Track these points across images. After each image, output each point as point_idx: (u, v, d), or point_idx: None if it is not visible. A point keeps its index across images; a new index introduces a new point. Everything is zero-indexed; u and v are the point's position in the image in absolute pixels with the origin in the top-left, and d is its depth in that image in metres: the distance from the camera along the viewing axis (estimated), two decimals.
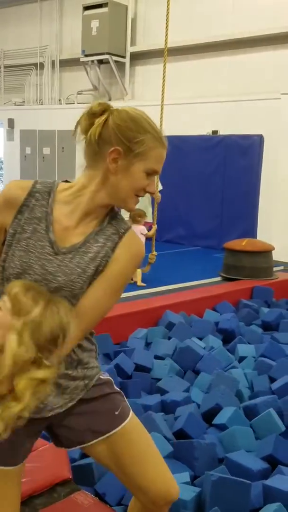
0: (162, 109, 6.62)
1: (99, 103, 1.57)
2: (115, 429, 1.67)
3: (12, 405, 1.28)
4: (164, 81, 6.56)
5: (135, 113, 1.55)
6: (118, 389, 1.78)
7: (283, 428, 3.29)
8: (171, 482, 1.74)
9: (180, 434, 3.17)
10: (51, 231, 1.54)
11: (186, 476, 2.73)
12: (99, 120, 1.53)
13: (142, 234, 6.19)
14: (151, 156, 1.53)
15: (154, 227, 6.30)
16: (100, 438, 1.66)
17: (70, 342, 1.42)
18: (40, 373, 1.30)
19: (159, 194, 6.47)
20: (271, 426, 3.25)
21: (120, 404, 1.72)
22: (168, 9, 6.17)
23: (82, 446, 1.70)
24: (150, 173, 1.55)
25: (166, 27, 6.43)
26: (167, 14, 6.19)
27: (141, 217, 6.46)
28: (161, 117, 6.54)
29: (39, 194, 1.57)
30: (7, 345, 1.28)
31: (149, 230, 6.42)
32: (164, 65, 6.46)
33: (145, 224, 6.62)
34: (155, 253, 6.29)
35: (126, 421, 1.70)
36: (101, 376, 1.74)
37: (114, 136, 1.51)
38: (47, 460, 2.41)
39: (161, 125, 6.49)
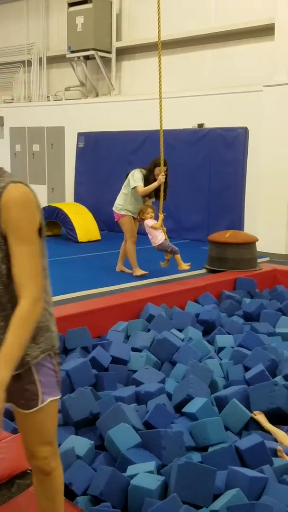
0: (160, 102, 6.56)
1: None
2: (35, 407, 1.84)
3: None
4: (160, 73, 6.50)
5: None
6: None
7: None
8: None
9: (150, 425, 3.22)
10: None
11: (151, 465, 2.77)
12: None
13: (149, 226, 6.32)
14: None
15: (161, 215, 6.34)
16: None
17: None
18: None
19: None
20: (238, 415, 3.32)
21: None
22: (159, 2, 6.13)
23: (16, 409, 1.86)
24: None
25: (158, 19, 6.35)
26: (158, 7, 6.15)
27: (144, 211, 6.44)
28: (160, 111, 6.53)
29: None
30: None
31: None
32: (159, 57, 6.45)
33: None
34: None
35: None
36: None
37: None
38: (10, 452, 2.46)
39: (160, 118, 6.48)
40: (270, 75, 8.30)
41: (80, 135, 11.17)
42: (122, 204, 6.56)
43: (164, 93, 10.02)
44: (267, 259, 7.80)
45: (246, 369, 4.08)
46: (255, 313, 5.49)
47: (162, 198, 6.37)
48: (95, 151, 10.89)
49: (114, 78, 11.24)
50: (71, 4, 11.04)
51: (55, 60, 12.36)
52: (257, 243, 7.05)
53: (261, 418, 3.32)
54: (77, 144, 11.22)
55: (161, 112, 6.54)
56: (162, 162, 6.37)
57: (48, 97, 12.47)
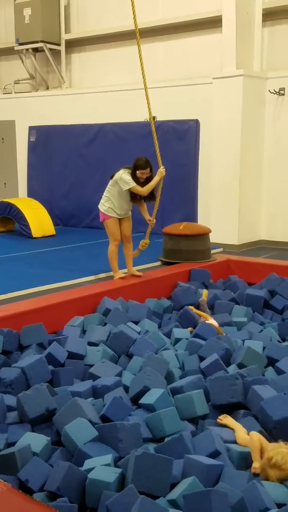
0: (146, 91, 6.39)
1: None
2: None
3: None
4: (141, 63, 6.35)
5: None
6: None
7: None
8: None
9: (107, 418, 3.23)
10: None
11: (108, 458, 2.78)
12: None
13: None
14: None
15: (153, 220, 6.22)
16: None
17: None
18: None
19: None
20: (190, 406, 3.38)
21: None
22: None
23: None
24: None
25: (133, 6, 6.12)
26: None
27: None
28: (148, 100, 6.36)
29: None
30: None
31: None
32: (138, 45, 6.29)
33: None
34: (147, 241, 6.29)
35: None
36: None
37: None
38: None
39: (149, 108, 6.37)
40: (219, 67, 8.38)
41: (31, 128, 11.02)
42: (108, 206, 6.04)
43: (115, 85, 10.07)
44: (221, 249, 7.91)
45: (201, 359, 4.14)
46: (209, 303, 5.57)
47: (156, 204, 6.26)
48: (47, 145, 10.78)
49: (64, 71, 11.12)
50: None
51: (3, 52, 12.13)
52: (210, 234, 7.14)
53: (227, 421, 3.30)
54: (29, 138, 11.08)
55: (148, 104, 6.36)
56: (159, 158, 6.40)
57: None
